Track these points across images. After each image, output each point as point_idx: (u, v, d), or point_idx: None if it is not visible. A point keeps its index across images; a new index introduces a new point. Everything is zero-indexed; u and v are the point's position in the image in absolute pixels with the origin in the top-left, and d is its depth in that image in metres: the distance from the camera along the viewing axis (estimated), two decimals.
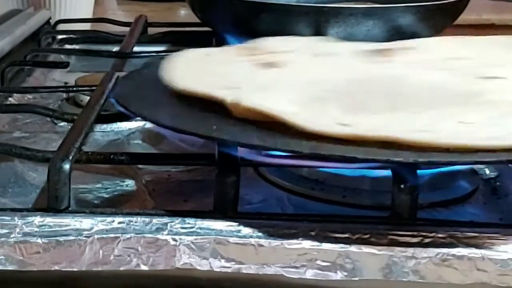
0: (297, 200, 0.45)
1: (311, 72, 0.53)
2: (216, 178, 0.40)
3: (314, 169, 0.46)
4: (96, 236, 0.37)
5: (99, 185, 0.48)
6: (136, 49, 0.77)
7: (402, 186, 0.39)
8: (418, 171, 0.40)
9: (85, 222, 0.38)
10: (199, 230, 0.38)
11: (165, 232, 0.38)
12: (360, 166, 0.43)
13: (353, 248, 0.37)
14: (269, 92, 0.46)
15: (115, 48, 0.80)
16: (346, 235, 0.38)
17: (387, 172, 0.40)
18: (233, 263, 0.37)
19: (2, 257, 0.37)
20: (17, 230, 0.38)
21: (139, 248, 0.37)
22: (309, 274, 0.37)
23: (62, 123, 0.58)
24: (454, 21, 0.80)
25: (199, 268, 0.37)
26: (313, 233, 0.38)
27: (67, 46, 0.87)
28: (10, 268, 0.37)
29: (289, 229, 0.38)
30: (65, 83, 0.71)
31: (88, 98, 0.58)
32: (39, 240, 0.37)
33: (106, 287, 0.39)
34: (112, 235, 0.37)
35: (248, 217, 0.39)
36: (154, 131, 0.58)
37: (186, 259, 0.37)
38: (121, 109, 0.47)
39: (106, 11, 1.23)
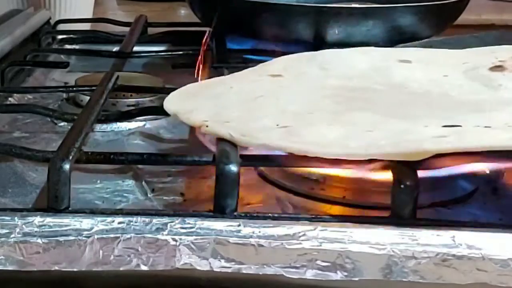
0: (297, 200, 0.45)
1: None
2: (216, 178, 0.40)
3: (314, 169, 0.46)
4: (96, 236, 0.37)
5: (99, 185, 0.48)
6: (136, 49, 0.77)
7: (402, 186, 0.39)
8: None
9: (85, 222, 0.38)
10: (199, 230, 0.38)
11: (165, 232, 0.38)
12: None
13: (353, 248, 0.37)
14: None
15: (115, 48, 0.80)
16: (346, 235, 0.38)
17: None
18: (233, 263, 0.37)
19: (2, 257, 0.37)
20: (17, 230, 0.37)
21: (139, 248, 0.37)
22: (309, 274, 0.37)
23: (62, 123, 0.58)
24: (454, 21, 0.80)
25: (199, 268, 0.37)
26: (313, 233, 0.38)
27: (67, 46, 0.87)
28: (10, 268, 0.37)
29: (289, 229, 0.38)
30: (65, 83, 0.71)
31: (88, 98, 0.58)
32: (39, 240, 0.37)
33: (106, 287, 0.39)
34: (112, 235, 0.37)
35: (248, 217, 0.39)
36: (154, 131, 0.59)
37: (186, 259, 0.37)
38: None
39: (106, 11, 1.23)
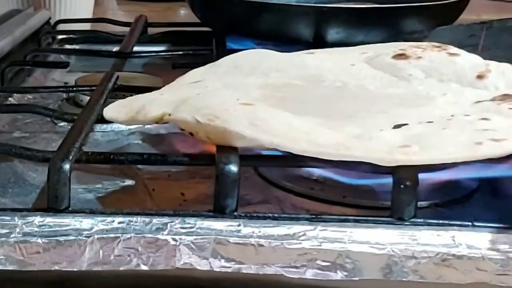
0: (297, 200, 0.45)
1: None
2: (216, 178, 0.40)
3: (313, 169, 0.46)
4: (96, 236, 0.37)
5: (99, 185, 0.48)
6: (136, 49, 0.77)
7: (402, 186, 0.39)
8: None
9: (85, 222, 0.38)
10: (199, 230, 0.38)
11: (165, 232, 0.38)
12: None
13: (353, 248, 0.37)
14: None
15: (115, 48, 0.80)
16: (346, 235, 0.38)
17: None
18: (233, 263, 0.37)
19: (2, 257, 0.37)
20: (17, 230, 0.38)
21: (139, 248, 0.37)
22: (309, 274, 0.37)
23: (62, 123, 0.58)
24: (454, 21, 0.80)
25: (199, 268, 0.37)
26: (313, 233, 0.38)
27: (67, 46, 0.87)
28: (10, 268, 0.37)
29: (289, 229, 0.38)
30: (65, 83, 0.71)
31: (88, 98, 0.58)
32: (39, 240, 0.37)
33: (106, 287, 0.39)
34: (112, 235, 0.37)
35: (248, 217, 0.39)
36: (154, 131, 0.59)
37: (186, 259, 0.37)
38: None
39: (106, 11, 1.23)
